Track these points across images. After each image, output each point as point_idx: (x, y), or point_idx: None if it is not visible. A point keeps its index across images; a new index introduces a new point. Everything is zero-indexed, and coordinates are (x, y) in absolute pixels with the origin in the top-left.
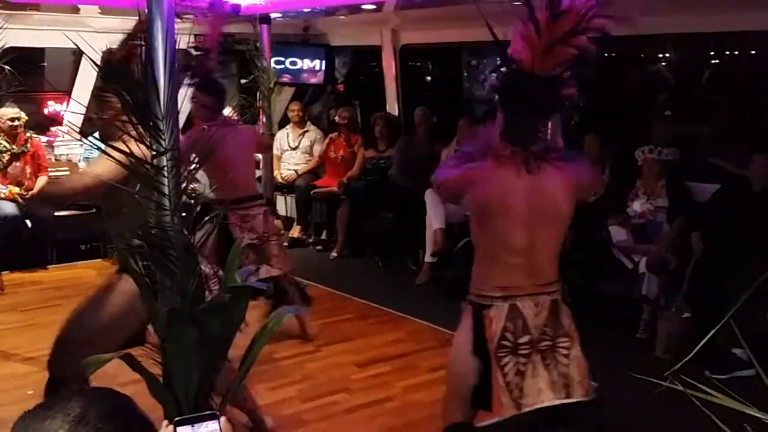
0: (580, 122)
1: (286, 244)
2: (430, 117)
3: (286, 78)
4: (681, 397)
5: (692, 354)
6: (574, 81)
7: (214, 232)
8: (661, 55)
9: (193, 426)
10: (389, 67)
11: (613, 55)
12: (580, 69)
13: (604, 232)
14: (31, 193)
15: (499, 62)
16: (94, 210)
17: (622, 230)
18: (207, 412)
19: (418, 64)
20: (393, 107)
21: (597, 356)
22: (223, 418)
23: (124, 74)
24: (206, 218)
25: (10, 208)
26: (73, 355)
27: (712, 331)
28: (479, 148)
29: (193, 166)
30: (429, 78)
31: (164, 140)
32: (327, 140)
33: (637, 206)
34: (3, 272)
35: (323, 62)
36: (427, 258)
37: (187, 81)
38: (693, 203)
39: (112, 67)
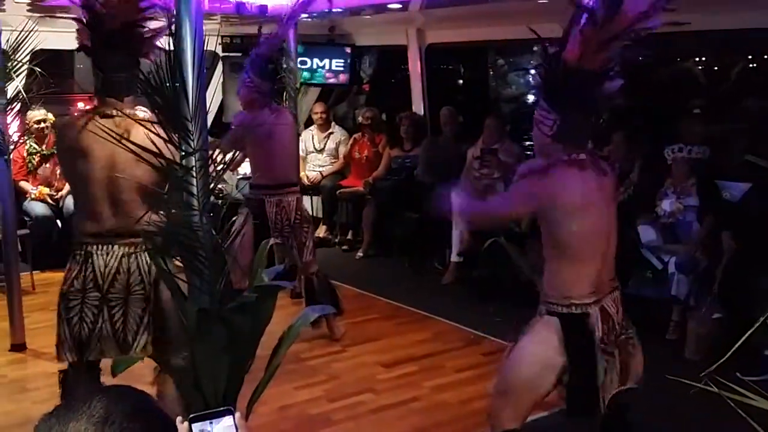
0: (608, 121)
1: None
2: (456, 116)
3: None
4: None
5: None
6: (619, 76)
7: (243, 229)
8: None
9: (209, 422)
10: (415, 66)
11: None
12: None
13: (632, 232)
14: (60, 194)
15: (541, 60)
16: None
17: (652, 230)
18: (221, 408)
19: (444, 63)
20: (419, 107)
21: None
22: (237, 414)
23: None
24: (235, 218)
25: (40, 209)
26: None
27: (748, 332)
28: (531, 167)
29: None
30: (455, 77)
31: (193, 141)
32: (351, 141)
33: (666, 205)
34: (34, 272)
35: (348, 62)
36: (453, 258)
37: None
38: (723, 202)
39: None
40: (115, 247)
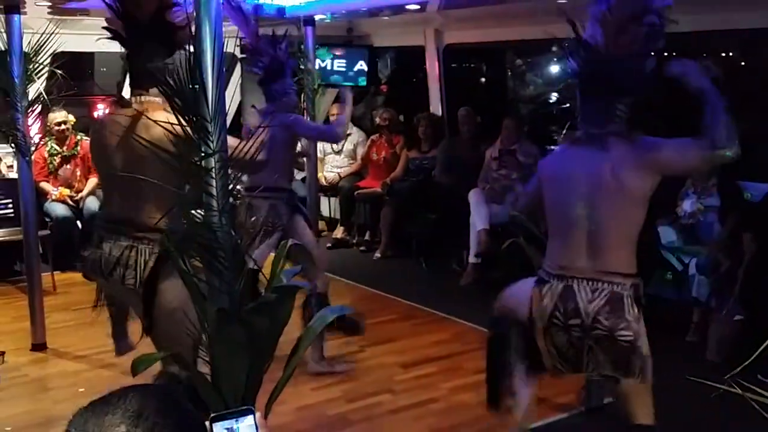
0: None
1: (329, 245)
2: (474, 117)
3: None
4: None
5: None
6: (649, 58)
7: (261, 232)
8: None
9: (234, 420)
10: (432, 67)
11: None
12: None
13: (652, 233)
14: (80, 195)
15: (571, 48)
16: None
17: (672, 231)
18: (242, 408)
19: (462, 64)
20: (436, 107)
21: None
22: (258, 413)
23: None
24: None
25: (61, 210)
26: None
27: None
28: None
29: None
30: (473, 78)
31: (212, 142)
32: (368, 142)
33: (687, 206)
34: (55, 272)
35: (366, 63)
36: (471, 259)
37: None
38: (745, 202)
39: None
40: (121, 237)
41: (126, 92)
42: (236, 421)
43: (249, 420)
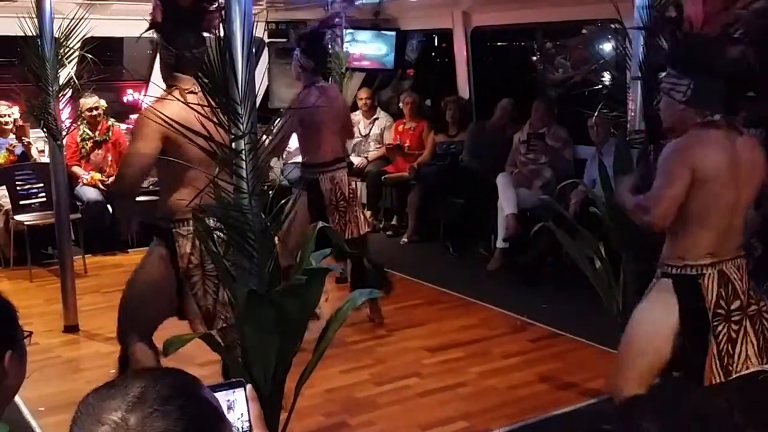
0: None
1: None
2: (512, 112)
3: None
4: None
5: None
6: (743, 39)
7: (292, 213)
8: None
9: (231, 391)
10: (460, 50)
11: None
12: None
13: None
14: (111, 179)
15: (662, 26)
16: None
17: None
18: (233, 380)
19: (490, 47)
20: (464, 91)
21: None
22: (249, 386)
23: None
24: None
25: (92, 194)
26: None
27: None
28: (671, 146)
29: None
30: (501, 61)
31: (242, 124)
32: (393, 131)
33: None
34: (86, 255)
35: (394, 47)
36: (499, 243)
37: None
38: None
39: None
40: (189, 225)
41: (156, 77)
42: (232, 392)
43: (241, 393)
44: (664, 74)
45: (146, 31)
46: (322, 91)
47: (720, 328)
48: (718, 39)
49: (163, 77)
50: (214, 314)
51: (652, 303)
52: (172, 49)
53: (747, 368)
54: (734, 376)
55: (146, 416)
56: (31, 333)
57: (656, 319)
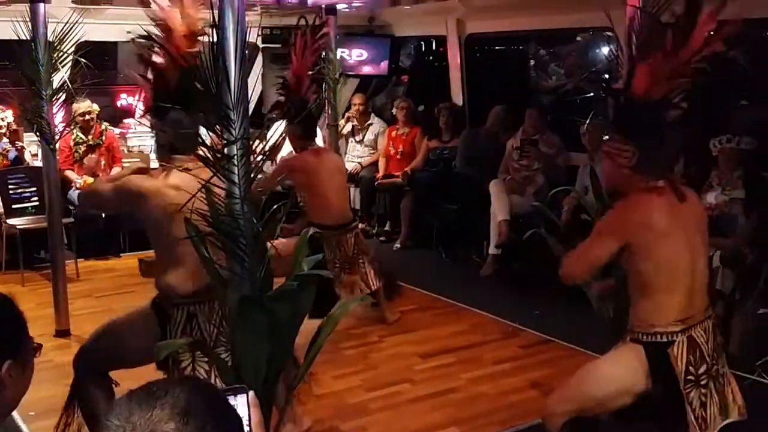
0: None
1: None
2: (505, 120)
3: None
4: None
5: None
6: (683, 102)
7: (283, 218)
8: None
9: (233, 397)
10: (454, 57)
11: None
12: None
13: None
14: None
15: (609, 95)
16: None
17: None
18: (236, 386)
19: (483, 53)
20: (458, 97)
21: None
22: (251, 393)
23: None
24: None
25: None
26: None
27: None
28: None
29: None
30: (495, 68)
31: (234, 129)
32: (386, 137)
33: (711, 198)
34: (78, 259)
35: (387, 53)
36: (492, 249)
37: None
38: None
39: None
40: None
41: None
42: (234, 398)
43: (243, 399)
44: (607, 137)
45: (142, 116)
46: (315, 154)
47: (692, 394)
48: (660, 104)
49: (157, 158)
50: None
51: (617, 360)
52: (164, 130)
53: (716, 429)
54: None
55: (200, 428)
56: (41, 345)
57: (619, 376)
